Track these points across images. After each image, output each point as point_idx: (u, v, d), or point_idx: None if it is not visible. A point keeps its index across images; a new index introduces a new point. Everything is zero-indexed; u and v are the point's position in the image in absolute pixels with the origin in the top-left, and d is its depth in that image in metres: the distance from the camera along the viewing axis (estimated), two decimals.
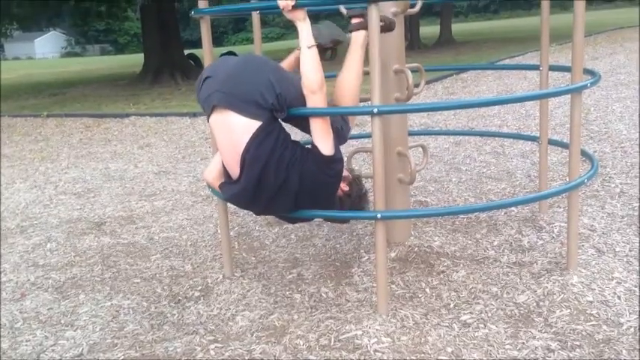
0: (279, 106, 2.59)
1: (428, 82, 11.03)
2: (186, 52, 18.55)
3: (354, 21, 2.87)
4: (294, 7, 2.58)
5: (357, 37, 2.85)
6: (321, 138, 2.67)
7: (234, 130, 2.60)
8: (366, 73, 2.72)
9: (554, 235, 3.53)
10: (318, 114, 2.67)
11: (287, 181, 2.65)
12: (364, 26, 2.74)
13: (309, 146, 2.74)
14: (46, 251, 4.02)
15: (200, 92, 2.73)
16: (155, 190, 5.37)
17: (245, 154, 2.60)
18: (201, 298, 3.13)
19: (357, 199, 2.95)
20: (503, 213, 3.96)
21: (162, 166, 6.33)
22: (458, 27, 34.37)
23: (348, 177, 2.95)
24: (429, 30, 30.73)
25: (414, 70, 3.41)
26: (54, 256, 3.93)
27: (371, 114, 2.59)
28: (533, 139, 4.10)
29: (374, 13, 2.53)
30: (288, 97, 2.62)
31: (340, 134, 2.80)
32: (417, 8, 3.53)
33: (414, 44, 23.24)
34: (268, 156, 2.59)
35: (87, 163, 6.80)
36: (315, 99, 2.63)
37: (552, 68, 3.69)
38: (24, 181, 6.12)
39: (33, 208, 5.10)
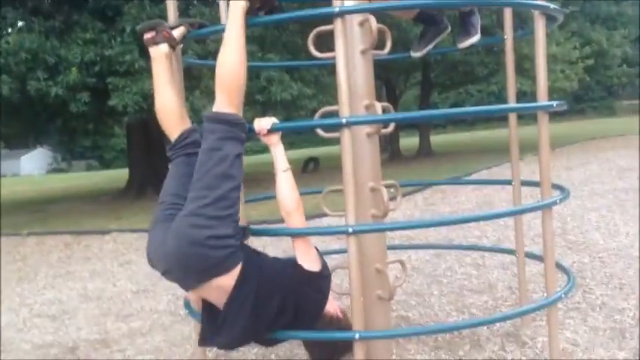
0: (240, 232, 2.58)
1: (408, 194, 11.21)
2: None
3: None
4: (269, 132, 2.67)
5: (235, 6, 2.61)
6: (304, 255, 2.68)
7: (218, 291, 2.59)
8: (341, 191, 2.76)
9: (537, 351, 3.48)
10: (293, 234, 2.70)
11: (275, 306, 2.62)
12: None
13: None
14: None
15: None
16: (132, 310, 5.25)
17: (229, 304, 2.59)
18: None
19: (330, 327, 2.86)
20: (485, 328, 3.91)
21: (142, 284, 6.23)
22: (437, 138, 35.48)
23: (336, 315, 2.87)
24: (409, 141, 31.65)
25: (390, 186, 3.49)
26: None
27: (346, 233, 2.62)
28: (511, 252, 4.13)
29: (346, 136, 2.63)
30: (234, 209, 2.54)
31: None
32: (391, 128, 3.66)
33: (394, 156, 23.85)
34: (254, 298, 2.57)
35: (64, 282, 6.68)
36: (292, 220, 2.68)
37: (524, 183, 3.80)
38: None
39: (6, 332, 4.94)
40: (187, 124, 2.89)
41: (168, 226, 2.55)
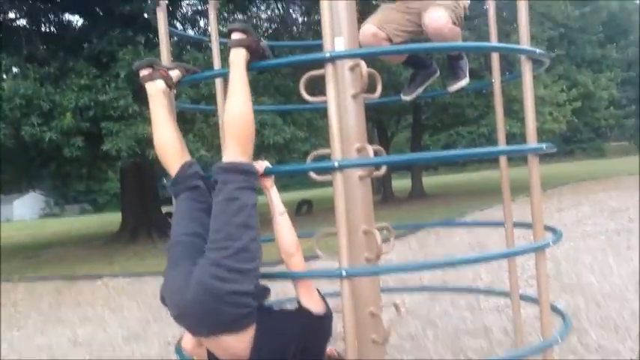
0: (261, 291, 2.53)
1: (401, 236, 11.20)
2: (164, 209, 18.71)
3: (235, 36, 2.58)
4: (263, 175, 2.67)
5: (237, 56, 2.60)
6: (308, 298, 2.65)
7: (223, 349, 2.51)
8: (334, 234, 2.75)
9: None
10: (288, 277, 2.68)
11: (290, 353, 2.55)
12: (245, 44, 2.58)
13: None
14: None
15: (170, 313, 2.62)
16: (123, 357, 5.17)
17: None
18: None
19: None
20: None
21: (132, 329, 6.14)
22: (429, 179, 35.63)
23: (332, 354, 2.82)
24: (402, 183, 31.77)
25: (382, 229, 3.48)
26: None
27: (340, 277, 2.60)
28: (505, 295, 4.12)
29: (338, 179, 2.63)
30: (256, 263, 2.49)
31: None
32: (383, 171, 3.68)
33: (387, 198, 23.88)
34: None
35: (54, 329, 6.58)
36: (294, 261, 2.65)
37: (516, 225, 3.81)
38: None
39: None
40: (187, 159, 2.86)
41: (190, 270, 2.46)
